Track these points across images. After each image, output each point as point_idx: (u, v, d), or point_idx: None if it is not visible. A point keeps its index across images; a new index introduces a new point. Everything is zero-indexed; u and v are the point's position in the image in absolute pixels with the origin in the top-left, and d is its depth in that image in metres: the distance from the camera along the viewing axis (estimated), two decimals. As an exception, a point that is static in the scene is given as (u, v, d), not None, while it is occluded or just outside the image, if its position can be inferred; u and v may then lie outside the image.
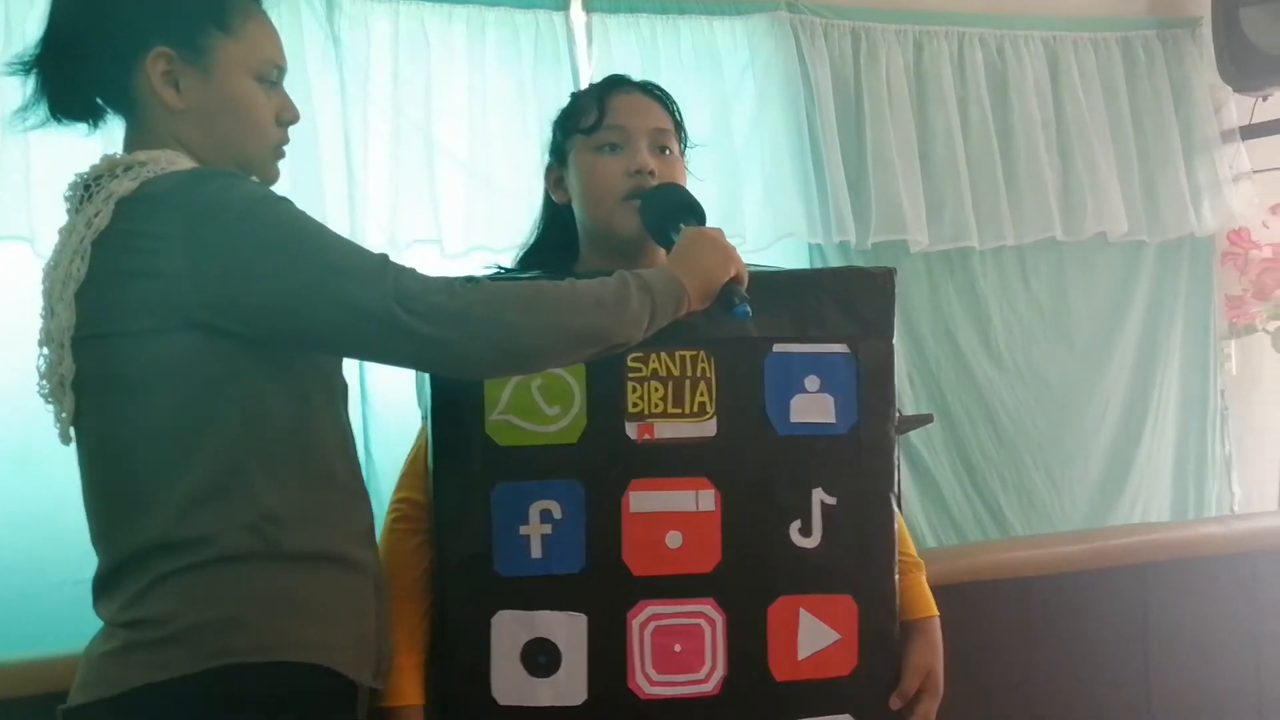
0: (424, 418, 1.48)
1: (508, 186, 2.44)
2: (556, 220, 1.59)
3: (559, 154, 1.57)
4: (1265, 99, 3.09)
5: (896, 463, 1.50)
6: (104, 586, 1.23)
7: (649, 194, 1.46)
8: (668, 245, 1.40)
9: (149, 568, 1.18)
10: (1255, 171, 3.13)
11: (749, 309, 1.33)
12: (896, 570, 1.49)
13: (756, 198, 2.64)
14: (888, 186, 2.71)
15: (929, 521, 2.81)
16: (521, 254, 1.61)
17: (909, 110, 2.77)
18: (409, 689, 1.41)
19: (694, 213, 1.44)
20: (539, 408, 1.40)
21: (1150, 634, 2.17)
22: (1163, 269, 3.12)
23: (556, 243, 1.58)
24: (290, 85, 1.38)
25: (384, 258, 1.20)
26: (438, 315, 1.17)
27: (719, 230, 1.40)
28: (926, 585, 1.55)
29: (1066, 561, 2.18)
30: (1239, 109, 3.14)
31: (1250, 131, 3.14)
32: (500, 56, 2.48)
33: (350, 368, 2.22)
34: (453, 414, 1.41)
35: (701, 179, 1.66)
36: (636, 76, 1.60)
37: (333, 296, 1.16)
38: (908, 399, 2.77)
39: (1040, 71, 2.92)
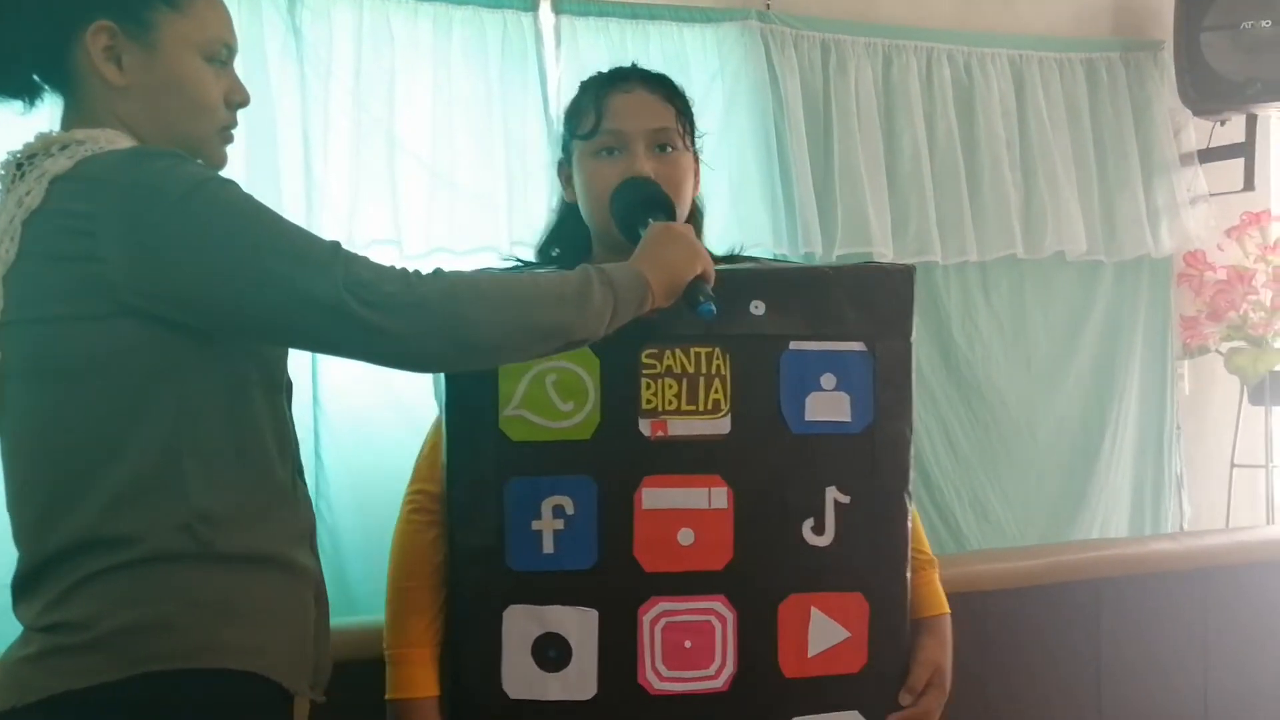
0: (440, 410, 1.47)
1: (471, 187, 2.42)
2: (570, 216, 1.57)
3: (566, 152, 1.55)
4: (1223, 123, 3.15)
5: (911, 461, 1.49)
6: (24, 588, 1.16)
7: (617, 190, 1.44)
8: (635, 241, 1.37)
9: (72, 568, 1.11)
10: (1212, 195, 3.19)
11: (714, 308, 1.31)
12: (909, 569, 1.49)
13: (722, 207, 2.63)
14: (854, 199, 2.72)
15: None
16: (538, 246, 1.61)
17: (877, 123, 2.78)
18: (425, 680, 1.41)
19: (662, 208, 1.42)
20: (553, 403, 1.39)
21: (1103, 648, 2.19)
22: (1120, 289, 3.16)
23: (570, 237, 1.57)
24: (249, 78, 1.34)
25: (335, 245, 1.14)
26: (391, 305, 1.12)
27: (688, 226, 1.38)
28: (939, 583, 1.55)
29: (1021, 576, 2.20)
30: (1197, 133, 3.20)
31: (1208, 155, 3.20)
32: (466, 55, 2.45)
33: (302, 368, 2.20)
34: (466, 408, 1.39)
35: (714, 168, 1.62)
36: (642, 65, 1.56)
37: (280, 283, 1.10)
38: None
39: (1006, 89, 2.95)
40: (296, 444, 1.30)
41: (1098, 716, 2.19)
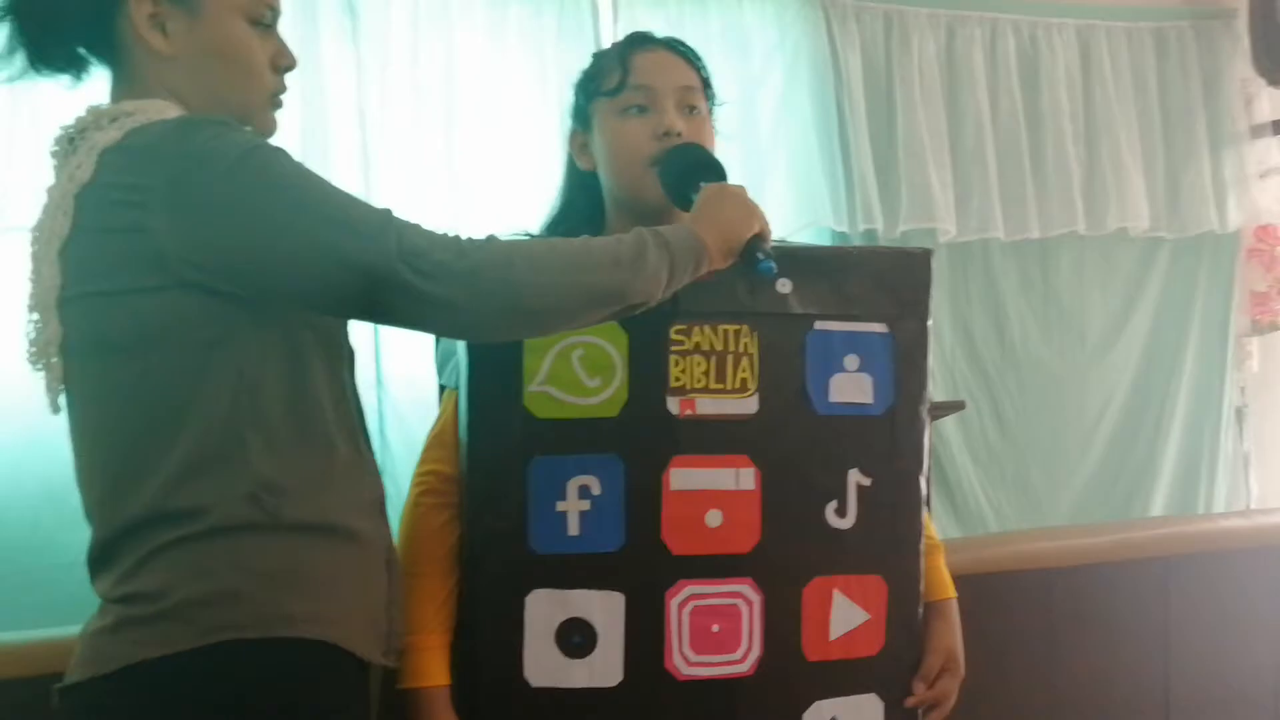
0: (451, 387, 1.44)
1: (528, 168, 2.41)
2: (580, 187, 1.52)
3: (582, 118, 1.49)
4: (1299, 94, 3.08)
5: (928, 445, 1.49)
6: (99, 562, 1.16)
7: (666, 155, 1.40)
8: (686, 207, 1.34)
9: (143, 541, 1.11)
10: (1285, 167, 3.12)
11: (774, 265, 1.29)
12: (923, 551, 1.49)
13: (781, 183, 2.62)
14: (917, 175, 2.70)
15: (935, 509, 2.82)
16: (546, 223, 1.55)
17: (939, 98, 2.75)
18: (435, 669, 1.35)
19: (714, 171, 1.39)
20: (579, 380, 1.36)
21: (1171, 626, 2.16)
22: (1177, 267, 3.12)
23: (581, 211, 1.52)
24: (303, 59, 1.32)
25: (387, 212, 1.11)
26: (444, 273, 1.09)
27: (741, 187, 1.34)
28: (945, 567, 1.54)
29: (1088, 554, 2.16)
30: (1271, 103, 3.12)
31: (1282, 126, 3.13)
32: (522, 34, 2.45)
33: (365, 350, 2.21)
34: (489, 384, 1.35)
35: (730, 138, 1.60)
36: (659, 33, 1.53)
37: (332, 252, 1.08)
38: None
39: (1072, 61, 2.90)
40: (361, 413, 1.28)
41: (1165, 694, 2.16)
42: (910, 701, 1.47)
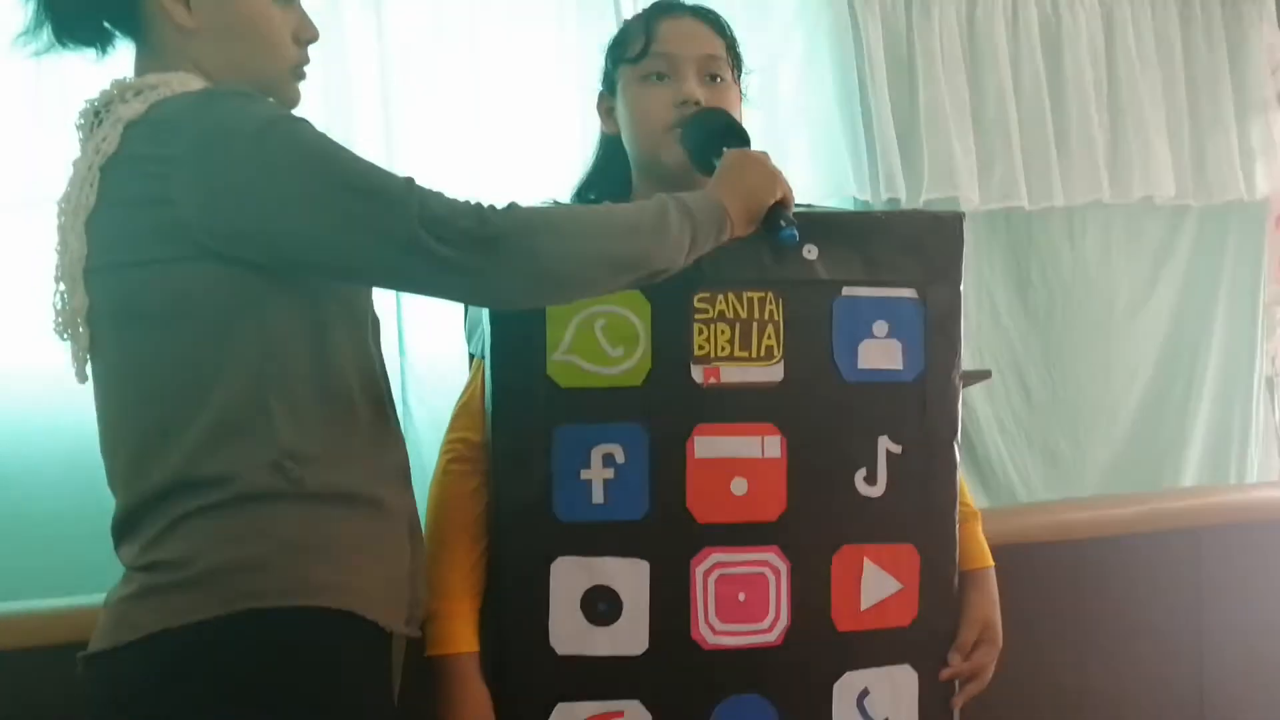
0: (479, 356, 1.44)
1: (550, 138, 2.40)
2: (610, 152, 1.54)
3: (609, 83, 1.51)
4: (1326, 60, 3.03)
5: (960, 411, 1.47)
6: (123, 530, 1.18)
7: (689, 121, 1.41)
8: (710, 172, 1.34)
9: (167, 509, 1.12)
10: (1315, 134, 3.07)
11: (796, 232, 1.29)
12: (957, 519, 1.47)
13: (803, 153, 2.61)
14: (939, 144, 2.67)
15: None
16: (576, 189, 1.56)
17: (961, 66, 2.72)
18: (464, 635, 1.37)
19: (737, 136, 1.39)
20: (602, 349, 1.36)
21: (1203, 597, 2.14)
22: (1205, 235, 3.09)
23: (610, 175, 1.53)
24: (325, 31, 1.32)
25: (409, 180, 1.12)
26: (466, 241, 1.10)
27: (764, 153, 1.34)
28: (982, 536, 1.53)
29: (1119, 524, 2.15)
30: (1299, 69, 3.08)
31: (1310, 93, 3.08)
32: (542, 6, 2.44)
33: (388, 319, 2.21)
34: (513, 354, 1.35)
35: (753, 107, 1.59)
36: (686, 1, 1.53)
37: (354, 221, 1.09)
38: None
39: (1095, 28, 2.87)
40: (386, 381, 1.28)
41: (1199, 665, 2.14)
42: (945, 674, 1.46)
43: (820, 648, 1.41)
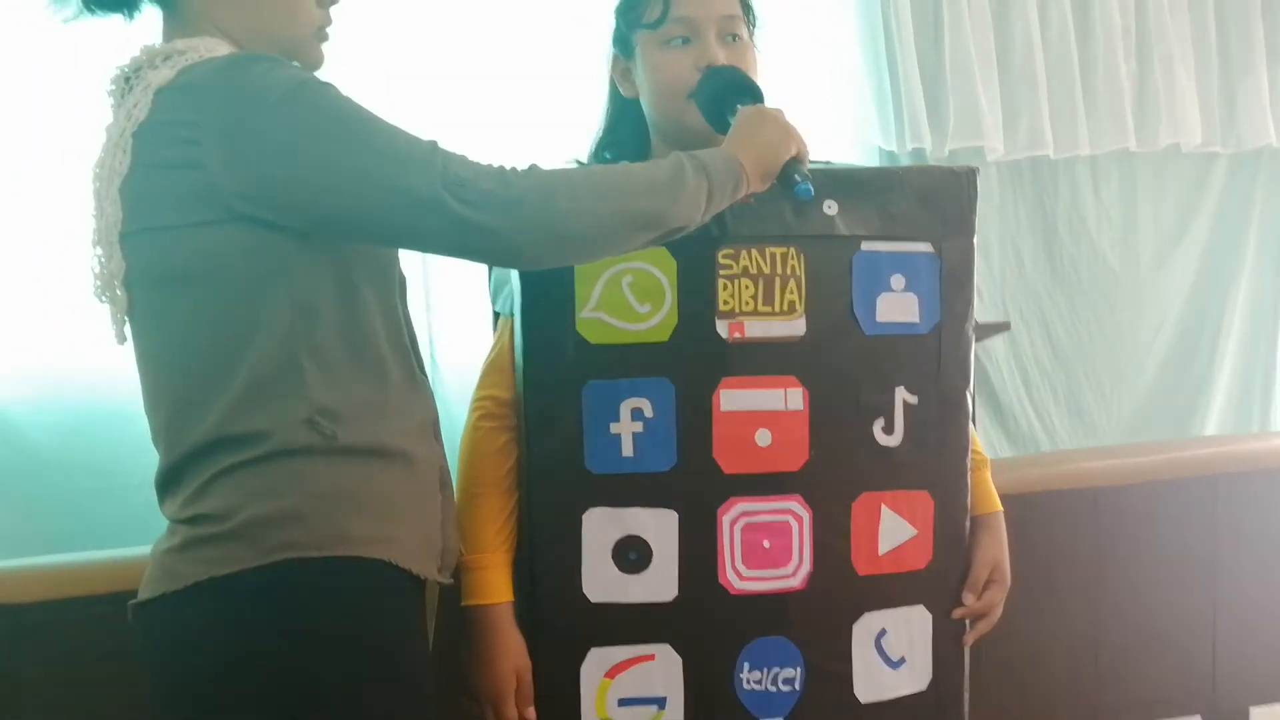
0: (506, 314, 1.47)
1: (559, 105, 2.37)
2: (624, 114, 1.54)
3: (624, 45, 1.51)
4: (1364, 1, 2.98)
5: (972, 361, 1.51)
6: (166, 484, 1.21)
7: (702, 79, 1.42)
8: (725, 130, 1.36)
9: (207, 464, 1.17)
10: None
11: (811, 188, 1.31)
12: (969, 467, 1.51)
13: (828, 103, 2.60)
14: (965, 92, 2.66)
15: (985, 430, 2.83)
16: (593, 150, 1.57)
17: (988, 13, 2.70)
18: (499, 586, 1.42)
19: (750, 93, 1.40)
20: (630, 305, 1.39)
21: (1219, 545, 2.17)
22: (1234, 182, 3.07)
23: (625, 137, 1.54)
24: None
25: (433, 143, 1.15)
26: (489, 202, 1.14)
27: (779, 109, 1.36)
28: (991, 482, 1.57)
29: (1136, 472, 2.17)
30: (1333, 11, 3.03)
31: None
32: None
33: (414, 277, 2.23)
34: (543, 311, 1.39)
35: (777, 57, 1.58)
36: None
37: (379, 183, 1.12)
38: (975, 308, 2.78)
39: (1124, -29, 2.82)
40: (414, 338, 1.32)
41: (1213, 612, 2.18)
42: (958, 613, 1.52)
43: (841, 591, 1.46)
